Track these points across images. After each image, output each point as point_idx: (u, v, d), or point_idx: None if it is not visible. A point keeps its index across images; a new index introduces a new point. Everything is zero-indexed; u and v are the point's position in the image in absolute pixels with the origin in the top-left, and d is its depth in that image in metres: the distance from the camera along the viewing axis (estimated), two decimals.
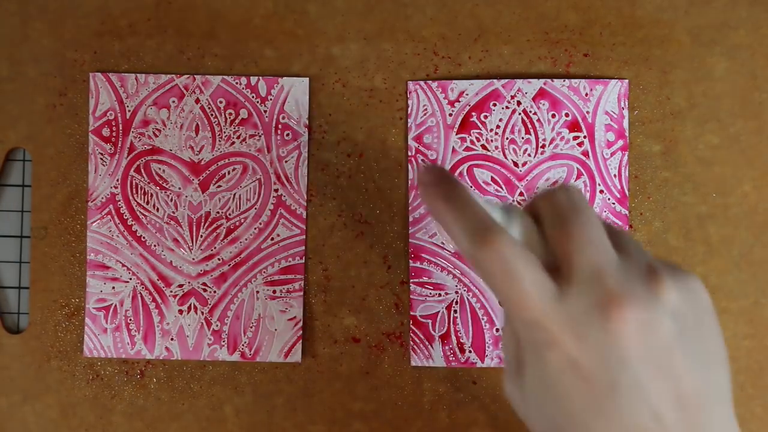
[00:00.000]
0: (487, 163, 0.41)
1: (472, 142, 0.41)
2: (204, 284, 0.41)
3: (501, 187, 0.41)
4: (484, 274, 0.26)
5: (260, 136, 0.42)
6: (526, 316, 0.26)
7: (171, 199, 0.41)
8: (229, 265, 0.41)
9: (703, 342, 0.26)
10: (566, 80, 0.41)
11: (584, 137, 0.41)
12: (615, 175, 0.41)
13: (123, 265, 0.41)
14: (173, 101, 0.42)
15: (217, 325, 0.41)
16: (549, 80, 0.41)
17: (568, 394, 0.26)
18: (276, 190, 0.41)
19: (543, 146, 0.41)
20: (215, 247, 0.41)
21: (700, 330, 0.26)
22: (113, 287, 0.41)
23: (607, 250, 0.26)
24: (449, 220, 0.27)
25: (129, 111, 0.42)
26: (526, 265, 0.25)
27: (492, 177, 0.41)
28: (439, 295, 0.41)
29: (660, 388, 0.25)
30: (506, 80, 0.41)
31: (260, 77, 0.42)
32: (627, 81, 0.41)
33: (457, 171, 0.41)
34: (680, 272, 0.26)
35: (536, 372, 0.27)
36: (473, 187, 0.41)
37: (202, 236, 0.41)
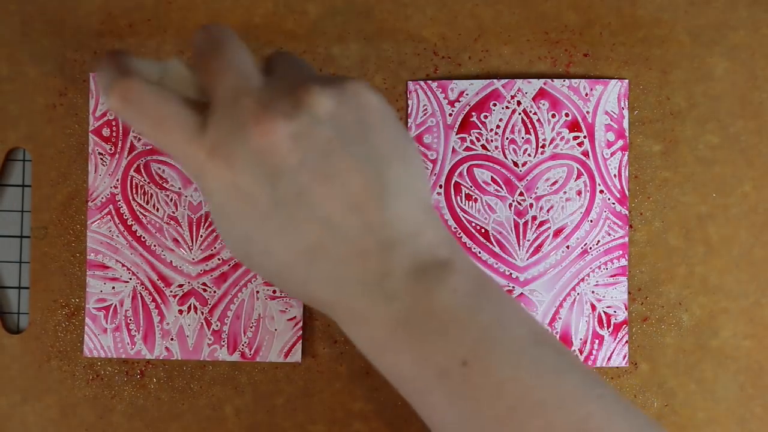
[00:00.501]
0: (487, 163, 0.41)
1: (472, 142, 0.41)
2: (204, 284, 0.41)
3: (501, 187, 0.41)
4: (125, 121, 0.27)
5: None
6: (175, 152, 0.26)
7: (171, 199, 0.41)
8: (229, 265, 0.41)
9: (368, 140, 0.26)
10: (566, 80, 0.41)
11: (584, 137, 0.41)
12: (615, 175, 0.41)
13: (123, 265, 0.41)
14: None
15: (217, 325, 0.41)
16: (549, 80, 0.41)
17: (239, 219, 0.26)
18: None
19: (543, 146, 0.41)
20: (215, 247, 0.41)
21: (364, 130, 0.26)
22: (113, 287, 0.41)
23: (248, 74, 0.26)
24: (97, 78, 0.28)
25: None
26: (159, 104, 0.26)
27: (492, 177, 0.41)
28: None
29: (325, 193, 0.25)
30: (506, 80, 0.41)
31: None
32: (627, 81, 0.41)
33: (457, 171, 0.41)
34: (337, 81, 0.27)
35: (211, 207, 0.27)
36: (473, 186, 0.41)
37: (202, 236, 0.41)
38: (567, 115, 0.41)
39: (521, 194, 0.41)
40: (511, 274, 0.41)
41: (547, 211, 0.41)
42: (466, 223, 0.41)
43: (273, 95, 0.26)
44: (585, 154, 0.41)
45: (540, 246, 0.41)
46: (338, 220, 0.25)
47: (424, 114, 0.41)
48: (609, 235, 0.41)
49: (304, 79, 0.27)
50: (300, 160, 0.25)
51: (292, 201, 0.25)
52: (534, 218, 0.41)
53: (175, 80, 0.28)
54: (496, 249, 0.41)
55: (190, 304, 0.41)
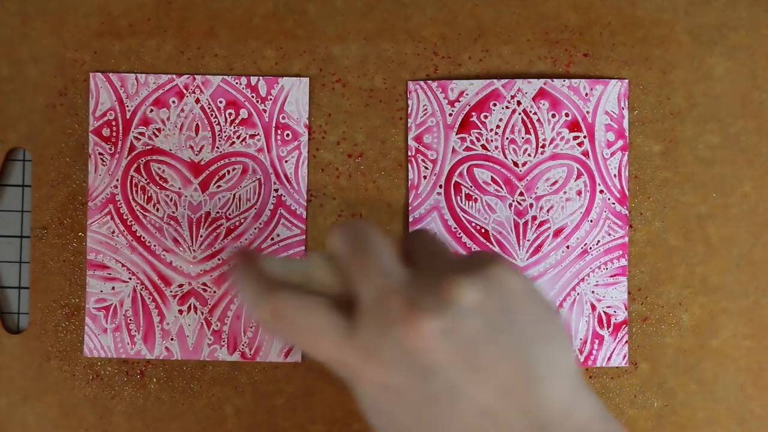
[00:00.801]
0: (487, 163, 0.41)
1: (472, 142, 0.41)
2: (204, 284, 0.41)
3: (501, 187, 0.41)
4: (278, 334, 0.27)
5: (260, 136, 0.42)
6: (326, 357, 0.26)
7: (171, 199, 0.41)
8: (229, 265, 0.41)
9: (514, 325, 0.26)
10: (566, 80, 0.41)
11: (584, 137, 0.41)
12: (615, 175, 0.41)
13: (123, 265, 0.41)
14: (173, 101, 0.42)
15: (217, 325, 0.41)
16: (549, 80, 0.41)
17: (394, 414, 0.26)
18: (276, 190, 0.41)
19: (543, 146, 0.41)
20: (215, 247, 0.41)
21: (509, 315, 0.26)
22: (113, 287, 0.41)
23: (392, 272, 0.26)
24: (239, 289, 0.28)
25: (129, 111, 0.42)
26: (309, 311, 0.26)
27: (492, 177, 0.41)
28: None
29: (477, 383, 0.25)
30: (506, 80, 0.41)
31: (260, 77, 0.42)
32: (627, 81, 0.41)
33: (457, 171, 0.41)
34: (478, 266, 0.26)
35: (364, 401, 0.27)
36: (473, 186, 0.41)
37: (202, 236, 0.41)
38: (567, 115, 0.41)
39: (521, 194, 0.41)
40: None
41: (547, 211, 0.41)
42: (466, 223, 0.41)
43: (418, 292, 0.26)
44: (585, 154, 0.41)
45: (540, 246, 0.41)
46: (493, 407, 0.25)
47: (424, 114, 0.41)
48: (609, 235, 0.41)
49: (446, 269, 0.27)
50: (449, 356, 0.25)
51: (445, 395, 0.25)
52: (534, 218, 0.41)
53: (318, 279, 0.28)
54: (496, 249, 0.41)
55: (190, 304, 0.41)
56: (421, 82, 0.41)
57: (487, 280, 0.26)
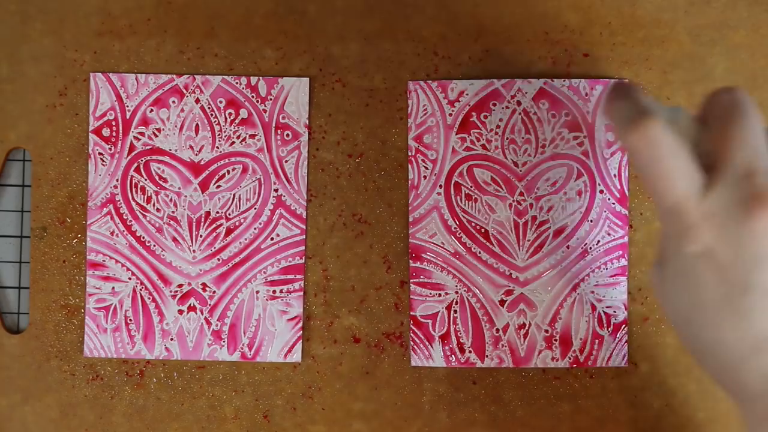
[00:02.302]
0: (487, 162, 0.41)
1: (472, 141, 0.41)
2: (204, 284, 0.41)
3: (501, 187, 0.41)
4: (636, 159, 0.27)
5: (260, 136, 0.42)
6: (669, 202, 0.27)
7: (171, 199, 0.41)
8: (228, 265, 0.41)
9: None
10: (566, 80, 0.41)
11: (584, 137, 0.41)
12: (615, 175, 0.41)
13: (123, 266, 0.41)
14: (173, 101, 0.42)
15: (217, 325, 0.41)
16: (549, 80, 0.41)
17: (702, 285, 0.26)
18: (276, 190, 0.41)
19: (543, 146, 0.41)
20: (215, 247, 0.41)
21: None
22: (113, 287, 0.41)
23: (762, 155, 0.26)
24: (613, 111, 0.28)
25: (129, 111, 0.42)
26: (675, 153, 0.26)
27: (492, 177, 0.41)
28: (439, 295, 0.41)
29: None
30: (506, 80, 0.41)
31: (260, 77, 0.42)
32: (627, 81, 0.41)
33: (457, 171, 0.41)
34: None
35: (675, 262, 0.27)
36: (473, 186, 0.41)
37: (201, 236, 0.41)
38: (567, 115, 0.41)
39: (521, 194, 0.41)
40: (511, 274, 0.41)
41: (547, 211, 0.41)
42: (466, 223, 0.41)
43: None
44: (585, 154, 0.41)
45: (540, 246, 0.41)
46: None
47: (424, 114, 0.41)
48: (609, 235, 0.41)
49: None
50: None
51: (764, 291, 0.25)
52: (534, 218, 0.41)
53: (682, 129, 0.28)
54: (496, 249, 0.41)
55: (190, 304, 0.41)
56: (421, 82, 0.41)
57: None
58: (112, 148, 0.42)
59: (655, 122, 0.27)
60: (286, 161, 0.42)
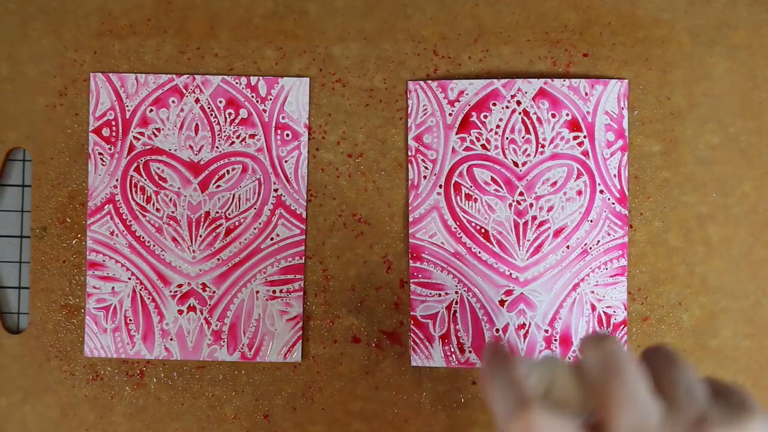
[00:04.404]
0: (487, 162, 0.41)
1: (472, 141, 0.41)
2: (203, 284, 0.41)
3: (501, 187, 0.41)
4: None
5: (260, 136, 0.42)
6: None
7: (170, 199, 0.41)
8: (228, 265, 0.41)
9: None
10: (566, 80, 0.41)
11: (584, 137, 0.41)
12: (615, 175, 0.41)
13: (122, 266, 0.41)
14: (173, 101, 0.42)
15: (216, 325, 0.41)
16: (549, 80, 0.41)
17: None
18: (276, 190, 0.41)
19: (543, 146, 0.41)
20: (215, 247, 0.41)
21: None
22: (113, 287, 0.41)
23: (647, 410, 0.25)
24: (492, 392, 0.28)
25: (129, 111, 0.42)
26: None
27: (492, 177, 0.41)
28: (439, 295, 0.41)
29: None
30: (506, 80, 0.41)
31: (260, 77, 0.42)
32: (627, 81, 0.41)
33: (457, 171, 0.41)
34: (735, 419, 0.25)
35: None
36: (473, 186, 0.41)
37: (201, 236, 0.41)
38: (567, 114, 0.41)
39: (521, 194, 0.41)
40: (511, 274, 0.41)
41: (547, 211, 0.41)
42: (466, 223, 0.41)
43: None
44: (585, 154, 0.41)
45: (540, 246, 0.41)
46: None
47: (424, 114, 0.41)
48: (609, 235, 0.41)
49: (704, 416, 0.26)
50: None
51: None
52: (534, 218, 0.41)
53: (560, 385, 0.28)
54: (496, 249, 0.41)
55: (190, 304, 0.41)
56: (421, 82, 0.41)
57: None
58: (112, 148, 0.42)
59: (537, 411, 0.26)
60: (286, 161, 0.42)
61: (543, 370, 0.28)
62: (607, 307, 0.41)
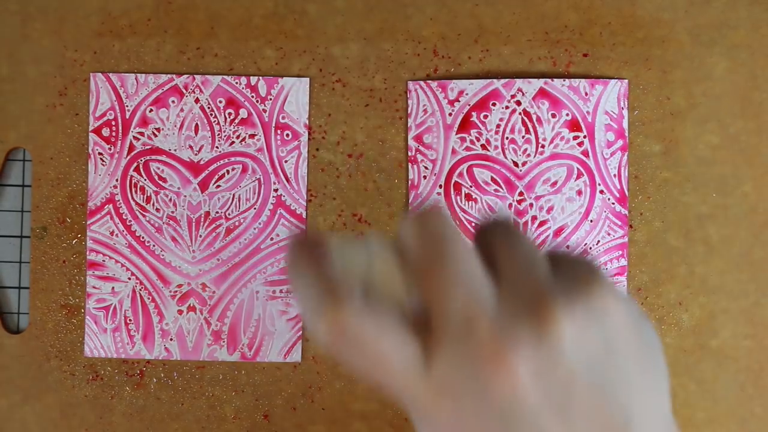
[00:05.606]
0: (487, 162, 0.41)
1: (471, 141, 0.41)
2: (203, 284, 0.41)
3: (501, 187, 0.41)
4: (339, 356, 0.22)
5: (260, 136, 0.42)
6: (395, 390, 0.22)
7: (170, 199, 0.41)
8: (228, 265, 0.41)
9: (617, 367, 0.22)
10: (566, 80, 0.41)
11: (584, 137, 0.41)
12: (615, 175, 0.41)
13: (122, 266, 0.41)
14: (173, 101, 0.42)
15: (216, 326, 0.41)
16: (549, 80, 0.41)
17: None
18: (276, 190, 0.41)
19: (543, 146, 0.41)
20: (215, 247, 0.41)
21: (612, 354, 0.22)
22: (113, 287, 0.41)
23: (479, 290, 0.21)
24: (295, 285, 0.23)
25: (129, 111, 0.42)
26: (378, 333, 0.21)
27: (492, 177, 0.41)
28: None
29: (564, 430, 0.21)
30: (506, 80, 0.41)
31: (260, 77, 0.42)
32: (627, 81, 0.41)
33: (457, 171, 0.41)
34: (579, 288, 0.22)
35: None
36: (473, 186, 0.41)
37: (201, 236, 0.41)
38: (567, 114, 0.41)
39: (521, 194, 0.41)
40: None
41: (547, 211, 0.41)
42: (466, 223, 0.41)
43: (509, 320, 0.21)
44: (585, 154, 0.41)
45: (540, 246, 0.41)
46: None
47: (424, 114, 0.41)
48: (609, 235, 0.41)
49: (543, 292, 0.22)
50: (539, 400, 0.21)
51: None
52: (534, 218, 0.41)
53: (380, 273, 0.23)
54: None
55: (190, 304, 0.41)
56: (421, 82, 0.41)
57: (590, 308, 0.21)
58: (112, 148, 0.42)
59: (343, 312, 0.21)
60: (286, 161, 0.42)
61: (355, 255, 0.23)
62: None
